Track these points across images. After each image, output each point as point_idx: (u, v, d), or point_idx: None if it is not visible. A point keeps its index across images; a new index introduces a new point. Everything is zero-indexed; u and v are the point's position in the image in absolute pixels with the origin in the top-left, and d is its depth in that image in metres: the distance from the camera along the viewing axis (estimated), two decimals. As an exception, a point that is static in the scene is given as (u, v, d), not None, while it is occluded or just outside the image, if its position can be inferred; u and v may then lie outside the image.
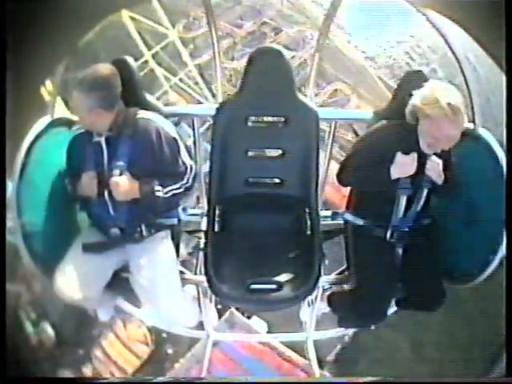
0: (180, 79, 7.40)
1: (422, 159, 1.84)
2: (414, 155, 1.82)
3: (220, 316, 3.92)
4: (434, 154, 1.85)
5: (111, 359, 4.81)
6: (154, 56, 7.19)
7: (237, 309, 4.66)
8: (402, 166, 1.83)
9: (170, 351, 5.02)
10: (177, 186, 1.88)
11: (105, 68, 1.79)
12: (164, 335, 5.02)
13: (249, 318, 4.93)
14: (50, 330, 4.57)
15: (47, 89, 1.92)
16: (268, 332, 4.79)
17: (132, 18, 6.68)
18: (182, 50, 7.48)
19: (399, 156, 1.83)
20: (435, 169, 1.84)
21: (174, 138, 1.88)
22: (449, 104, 1.70)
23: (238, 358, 4.24)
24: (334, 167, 2.14)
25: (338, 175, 2.02)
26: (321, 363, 3.08)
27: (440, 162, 1.84)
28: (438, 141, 1.78)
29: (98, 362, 4.76)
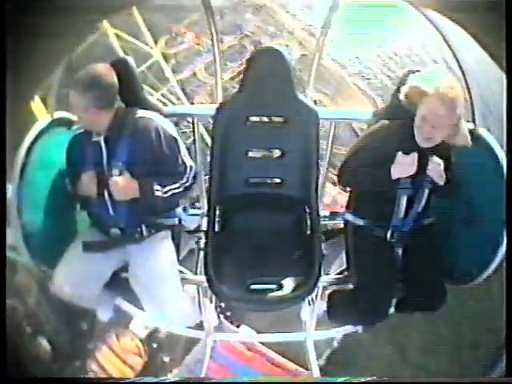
0: (162, 94, 7.51)
1: (423, 159, 1.83)
2: (415, 155, 1.82)
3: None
4: (434, 154, 1.85)
5: (106, 372, 4.90)
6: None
7: (225, 318, 4.64)
8: (403, 165, 1.83)
9: (165, 359, 5.10)
10: (176, 185, 1.88)
11: (100, 67, 1.78)
12: (155, 345, 5.11)
13: (238, 326, 4.92)
14: (45, 344, 4.56)
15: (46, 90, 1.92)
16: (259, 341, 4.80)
17: (117, 36, 6.77)
18: (164, 65, 7.59)
19: (400, 156, 1.83)
20: (436, 169, 1.84)
21: (174, 138, 1.88)
22: (447, 88, 1.70)
23: (230, 365, 4.27)
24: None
25: (339, 176, 2.02)
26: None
27: (441, 162, 1.84)
28: (429, 124, 1.75)
29: (94, 375, 4.80)
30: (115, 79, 1.79)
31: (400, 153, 1.83)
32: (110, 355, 4.96)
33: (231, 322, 4.78)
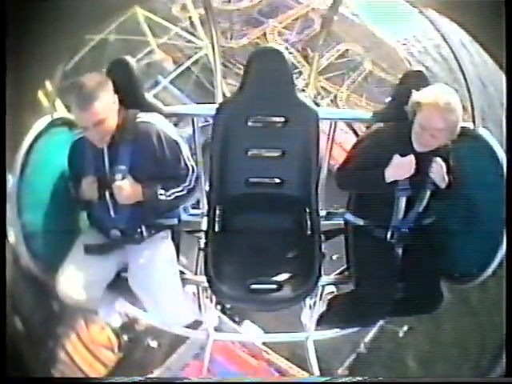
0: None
1: (424, 161, 1.83)
2: (411, 157, 1.82)
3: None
4: (436, 156, 1.84)
5: (77, 365, 4.29)
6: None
7: (224, 313, 4.38)
8: (398, 168, 1.83)
9: (144, 359, 4.44)
10: (179, 188, 1.88)
11: (93, 78, 1.74)
12: (125, 338, 4.43)
13: (239, 323, 4.69)
14: (19, 324, 4.29)
15: (46, 89, 1.91)
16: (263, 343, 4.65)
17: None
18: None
19: (396, 158, 1.83)
20: (439, 172, 1.84)
21: (175, 141, 1.87)
22: (444, 102, 1.72)
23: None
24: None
25: (337, 179, 2.03)
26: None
27: (444, 164, 1.84)
28: (425, 132, 1.77)
29: (63, 367, 4.20)
30: (110, 86, 1.76)
31: (396, 155, 1.83)
32: (79, 346, 4.29)
33: (233, 320, 4.61)
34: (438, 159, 1.84)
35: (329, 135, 2.36)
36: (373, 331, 5.34)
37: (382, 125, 1.96)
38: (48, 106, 1.95)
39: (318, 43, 2.31)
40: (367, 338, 5.31)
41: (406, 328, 5.31)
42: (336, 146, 2.36)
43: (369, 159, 1.87)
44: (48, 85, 1.90)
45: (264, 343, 4.80)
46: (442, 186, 1.87)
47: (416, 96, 1.81)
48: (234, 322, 4.72)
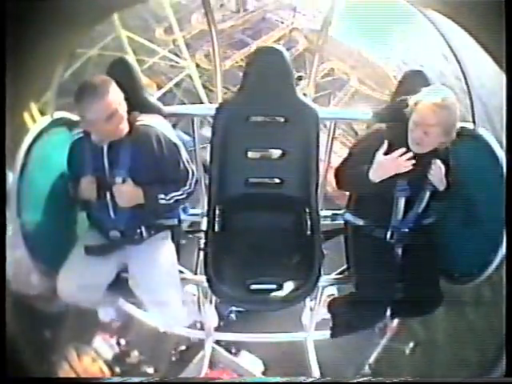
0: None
1: (424, 162, 1.83)
2: (394, 155, 1.79)
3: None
4: (435, 157, 1.84)
5: None
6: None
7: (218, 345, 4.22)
8: (381, 167, 1.81)
9: None
10: (179, 192, 1.89)
11: (101, 77, 1.76)
12: (118, 370, 4.37)
13: (235, 354, 4.59)
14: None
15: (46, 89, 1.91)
16: (263, 372, 4.53)
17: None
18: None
19: (378, 156, 1.82)
20: (438, 174, 1.84)
21: (175, 144, 1.88)
22: (437, 99, 1.73)
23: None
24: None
25: (335, 180, 2.03)
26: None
27: (443, 167, 1.84)
28: (418, 128, 1.76)
29: None
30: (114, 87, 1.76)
31: (379, 153, 1.82)
32: (71, 375, 4.12)
33: (230, 352, 4.49)
34: (438, 161, 1.84)
35: (329, 135, 2.36)
36: (377, 351, 5.29)
37: (382, 125, 1.96)
38: (47, 106, 1.95)
39: (303, 63, 2.33)
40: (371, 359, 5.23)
41: (412, 345, 5.22)
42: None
43: (366, 160, 1.86)
44: (48, 84, 1.90)
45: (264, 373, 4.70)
46: (441, 188, 1.87)
47: (413, 98, 1.81)
48: (231, 353, 4.61)
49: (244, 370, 4.39)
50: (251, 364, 4.60)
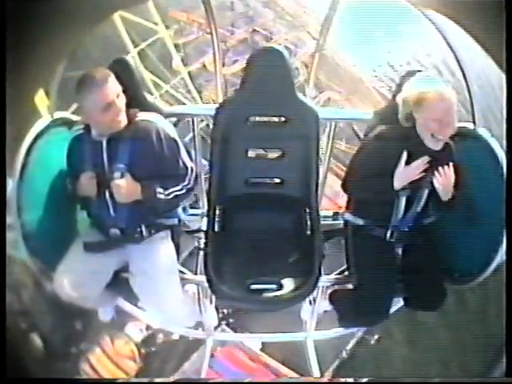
0: (172, 86, 7.33)
1: (435, 162, 1.83)
2: (418, 162, 1.82)
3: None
4: (441, 160, 1.84)
5: (99, 375, 4.72)
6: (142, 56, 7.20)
7: (227, 324, 4.53)
8: (405, 176, 1.83)
9: (162, 365, 4.94)
10: (178, 187, 1.88)
11: (100, 69, 1.78)
12: (151, 350, 4.88)
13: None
14: (38, 342, 4.42)
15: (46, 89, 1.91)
16: (261, 349, 4.70)
17: (123, 18, 6.70)
18: (175, 55, 7.46)
19: (401, 168, 1.83)
20: (445, 184, 1.83)
21: (174, 140, 1.88)
22: (443, 89, 1.76)
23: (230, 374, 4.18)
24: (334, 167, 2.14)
25: (343, 185, 2.03)
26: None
27: (452, 176, 1.83)
28: (440, 122, 1.77)
29: (86, 376, 4.64)
30: (115, 81, 1.78)
31: (402, 165, 1.83)
32: (103, 358, 4.78)
33: (234, 329, 4.70)
34: (449, 171, 1.83)
35: (329, 135, 2.36)
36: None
37: (384, 127, 1.95)
38: (48, 105, 1.95)
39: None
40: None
41: (376, 336, 5.35)
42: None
43: (375, 166, 1.86)
44: (47, 85, 1.90)
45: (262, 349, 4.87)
46: (444, 198, 1.86)
47: (409, 94, 1.82)
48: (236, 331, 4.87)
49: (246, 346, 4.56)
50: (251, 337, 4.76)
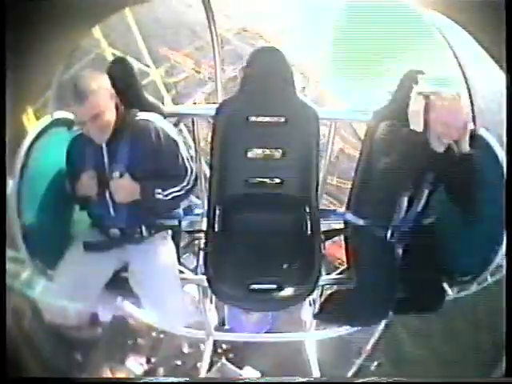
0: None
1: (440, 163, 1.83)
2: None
3: (211, 367, 3.78)
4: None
5: None
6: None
7: (227, 360, 4.55)
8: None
9: None
10: (177, 188, 1.87)
11: (89, 74, 1.75)
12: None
13: (240, 368, 4.80)
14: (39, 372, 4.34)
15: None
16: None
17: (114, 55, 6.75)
18: (165, 94, 7.49)
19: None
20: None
21: (174, 140, 1.87)
22: (453, 93, 1.77)
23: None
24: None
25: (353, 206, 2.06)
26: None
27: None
28: (447, 125, 1.77)
29: None
30: (107, 83, 1.77)
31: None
32: None
33: (233, 364, 4.69)
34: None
35: (329, 135, 2.36)
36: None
37: (387, 127, 1.94)
38: (48, 106, 1.95)
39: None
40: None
41: (376, 363, 5.37)
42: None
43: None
44: (48, 84, 1.90)
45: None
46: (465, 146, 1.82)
47: (419, 95, 1.82)
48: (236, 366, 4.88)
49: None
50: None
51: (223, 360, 4.71)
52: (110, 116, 1.77)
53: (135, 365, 4.95)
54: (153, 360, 4.92)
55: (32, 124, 1.86)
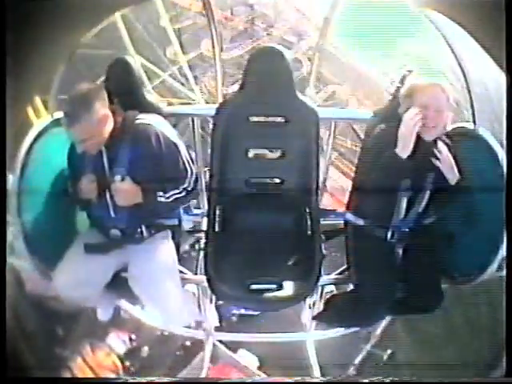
0: (170, 75, 7.24)
1: (425, 158, 1.82)
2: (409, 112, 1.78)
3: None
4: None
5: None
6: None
7: (220, 341, 4.51)
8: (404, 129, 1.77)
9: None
10: (178, 190, 1.88)
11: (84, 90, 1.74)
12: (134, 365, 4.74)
13: (234, 351, 4.76)
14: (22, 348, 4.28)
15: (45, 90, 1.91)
16: (259, 367, 4.67)
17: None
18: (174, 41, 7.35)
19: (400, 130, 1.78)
20: (447, 163, 1.80)
21: (174, 143, 1.87)
22: (437, 81, 1.79)
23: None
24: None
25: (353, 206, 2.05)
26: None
27: (450, 155, 1.80)
28: (432, 109, 1.76)
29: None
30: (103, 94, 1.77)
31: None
32: (85, 368, 4.51)
33: (228, 348, 4.66)
34: (444, 148, 1.81)
35: (329, 135, 2.36)
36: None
37: (382, 126, 1.95)
38: (48, 106, 1.95)
39: (307, 87, 2.35)
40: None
41: (389, 351, 5.32)
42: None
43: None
44: (48, 84, 1.90)
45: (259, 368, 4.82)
46: (453, 180, 1.82)
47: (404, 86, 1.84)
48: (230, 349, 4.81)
49: (240, 364, 4.48)
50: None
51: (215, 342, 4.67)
52: (107, 132, 1.77)
53: (117, 341, 4.71)
54: (135, 337, 4.73)
55: (32, 124, 1.86)
